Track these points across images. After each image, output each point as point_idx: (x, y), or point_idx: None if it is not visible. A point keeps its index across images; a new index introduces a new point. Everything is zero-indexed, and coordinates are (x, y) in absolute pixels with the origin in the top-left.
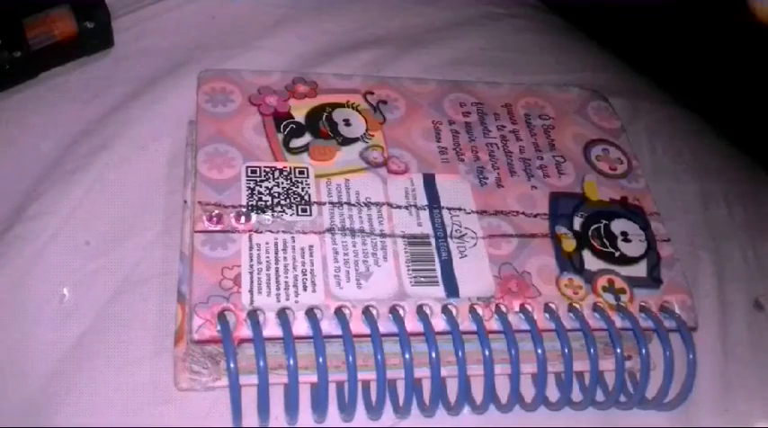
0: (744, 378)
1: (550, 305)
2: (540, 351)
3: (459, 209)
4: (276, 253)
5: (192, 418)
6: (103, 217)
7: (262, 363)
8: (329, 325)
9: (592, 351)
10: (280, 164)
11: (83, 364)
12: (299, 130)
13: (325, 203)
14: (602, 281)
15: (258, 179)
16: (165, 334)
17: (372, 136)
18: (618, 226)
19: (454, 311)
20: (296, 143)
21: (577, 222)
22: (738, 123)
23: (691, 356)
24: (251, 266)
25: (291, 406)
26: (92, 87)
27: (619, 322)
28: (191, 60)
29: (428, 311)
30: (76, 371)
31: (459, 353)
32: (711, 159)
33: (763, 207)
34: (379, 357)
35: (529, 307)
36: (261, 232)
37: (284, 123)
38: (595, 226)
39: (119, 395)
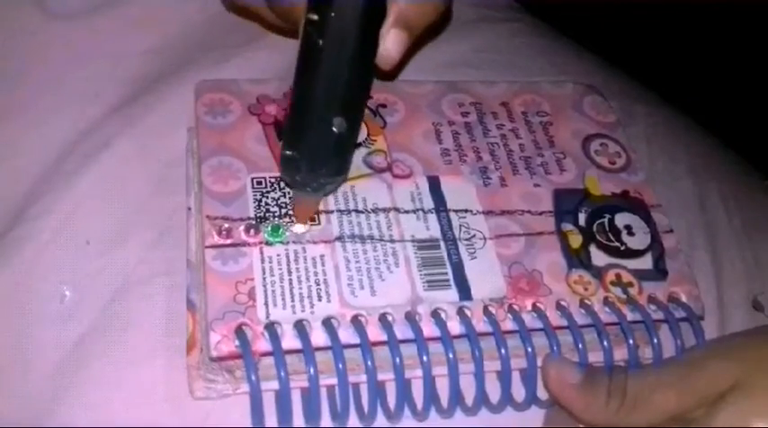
0: None
1: (562, 302)
2: (555, 348)
3: (466, 211)
4: (288, 264)
5: (194, 418)
6: (104, 217)
7: (282, 374)
8: (346, 334)
9: (605, 343)
10: None
11: (83, 364)
12: None
13: (333, 211)
14: (610, 276)
15: (264, 190)
16: (165, 333)
17: (374, 140)
18: (621, 219)
19: (469, 314)
20: None
21: (582, 218)
22: (732, 124)
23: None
24: (264, 279)
25: (313, 414)
26: (92, 87)
27: (630, 315)
28: (191, 60)
29: (443, 315)
30: (77, 371)
31: (476, 353)
32: (707, 160)
33: (759, 206)
34: (397, 361)
35: (541, 306)
36: (271, 244)
37: None
38: (600, 220)
39: (119, 394)
